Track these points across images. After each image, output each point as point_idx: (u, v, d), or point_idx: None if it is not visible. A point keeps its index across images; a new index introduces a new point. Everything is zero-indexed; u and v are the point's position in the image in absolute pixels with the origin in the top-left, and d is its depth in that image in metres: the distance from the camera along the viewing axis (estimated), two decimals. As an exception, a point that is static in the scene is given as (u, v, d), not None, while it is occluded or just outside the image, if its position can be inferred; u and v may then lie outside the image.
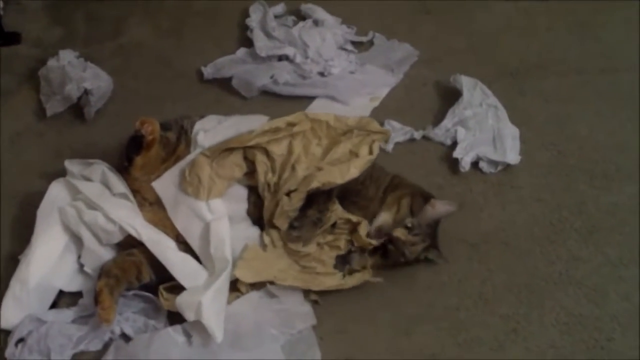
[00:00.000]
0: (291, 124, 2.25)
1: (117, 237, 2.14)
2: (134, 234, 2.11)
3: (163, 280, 2.09)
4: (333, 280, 2.13)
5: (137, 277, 2.09)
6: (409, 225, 2.15)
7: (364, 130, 2.29)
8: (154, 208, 2.20)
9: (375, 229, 2.16)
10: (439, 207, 2.19)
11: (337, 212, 2.15)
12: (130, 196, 2.20)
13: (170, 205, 2.19)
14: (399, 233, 2.14)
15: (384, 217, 2.18)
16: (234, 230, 2.16)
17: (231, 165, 2.21)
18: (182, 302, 2.01)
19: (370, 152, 2.23)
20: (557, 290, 2.16)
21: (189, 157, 2.24)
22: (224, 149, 2.20)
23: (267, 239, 2.15)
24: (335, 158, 2.21)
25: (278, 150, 2.20)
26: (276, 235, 2.16)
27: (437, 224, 2.21)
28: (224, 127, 2.35)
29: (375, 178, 2.25)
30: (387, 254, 2.17)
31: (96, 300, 1.99)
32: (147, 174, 2.23)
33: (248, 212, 2.22)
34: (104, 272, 2.06)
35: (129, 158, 2.22)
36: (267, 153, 2.20)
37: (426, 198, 2.20)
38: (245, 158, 2.21)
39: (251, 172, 2.22)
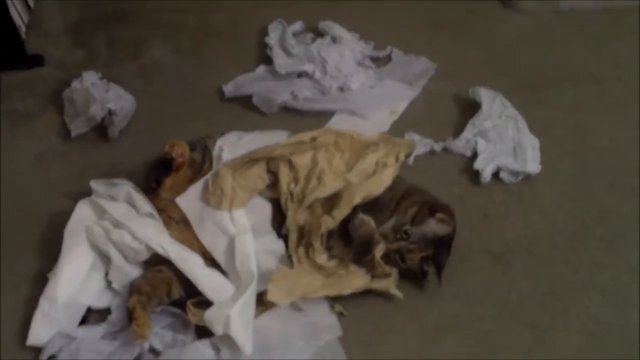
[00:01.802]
0: (315, 138, 2.27)
1: (144, 255, 2.16)
2: (160, 251, 2.13)
3: (192, 297, 2.11)
4: (359, 279, 2.13)
5: (167, 294, 2.10)
6: (408, 231, 2.14)
7: (389, 142, 2.31)
8: (179, 226, 2.22)
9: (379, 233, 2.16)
10: (436, 226, 2.16)
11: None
12: (156, 215, 2.22)
13: (195, 220, 2.22)
14: (378, 251, 2.12)
15: (390, 223, 2.18)
16: (259, 244, 2.18)
17: (254, 176, 2.23)
18: (211, 316, 2.02)
19: (396, 160, 2.26)
20: (582, 298, 2.16)
21: (211, 173, 2.28)
22: (247, 161, 2.24)
23: (294, 257, 2.17)
24: (362, 169, 2.23)
25: (301, 161, 2.23)
26: (302, 252, 2.17)
27: (442, 242, 2.17)
28: (245, 142, 2.39)
29: (392, 187, 2.24)
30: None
31: (130, 317, 2.01)
32: (174, 195, 2.26)
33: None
34: (134, 289, 2.08)
35: (158, 180, 2.25)
36: (290, 164, 2.23)
37: (433, 210, 2.18)
38: (269, 170, 2.24)
39: (273, 185, 2.25)
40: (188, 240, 2.20)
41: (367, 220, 2.13)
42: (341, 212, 2.14)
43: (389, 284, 2.14)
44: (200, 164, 2.34)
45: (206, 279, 2.12)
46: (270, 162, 2.25)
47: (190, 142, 2.35)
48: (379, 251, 2.12)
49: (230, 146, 2.37)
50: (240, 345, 1.98)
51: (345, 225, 2.15)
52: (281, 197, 2.22)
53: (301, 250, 2.17)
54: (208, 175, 2.27)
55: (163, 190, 2.28)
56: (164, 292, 2.10)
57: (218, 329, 2.00)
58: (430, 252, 2.15)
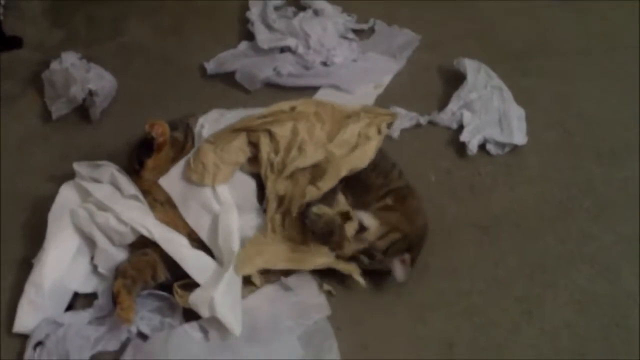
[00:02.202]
0: (294, 108, 2.27)
1: (130, 238, 2.15)
2: (146, 234, 2.12)
3: (178, 279, 2.10)
4: (322, 258, 2.12)
5: (153, 277, 2.09)
6: (376, 256, 2.11)
7: (371, 113, 2.30)
8: (164, 208, 2.21)
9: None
10: (397, 267, 2.11)
11: (339, 204, 2.15)
12: (141, 197, 2.21)
13: (179, 200, 2.21)
14: (349, 227, 2.11)
15: (373, 226, 2.14)
16: (244, 221, 2.17)
17: (235, 150, 2.23)
18: (196, 299, 2.02)
19: (379, 132, 2.24)
20: (570, 269, 2.16)
21: (193, 151, 2.26)
22: (229, 133, 2.24)
23: (269, 225, 2.15)
24: (344, 139, 2.21)
25: (281, 131, 2.22)
26: (279, 219, 2.16)
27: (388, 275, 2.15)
28: (227, 119, 2.38)
29: (382, 170, 2.23)
30: None
31: (114, 301, 2.00)
32: (157, 175, 2.24)
33: None
34: (119, 272, 2.07)
35: (140, 161, 2.23)
36: (271, 135, 2.22)
37: (409, 247, 2.13)
38: (249, 143, 2.23)
39: (254, 158, 2.24)
40: (173, 222, 2.19)
41: (323, 212, 2.10)
42: (326, 184, 2.13)
43: (354, 268, 2.13)
44: (183, 142, 2.32)
45: (192, 260, 2.11)
46: (251, 134, 2.24)
47: (172, 122, 2.33)
48: (350, 228, 2.11)
49: (212, 123, 2.35)
50: (228, 327, 1.97)
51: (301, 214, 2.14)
52: (261, 167, 2.21)
53: (278, 217, 2.16)
54: (190, 154, 2.26)
55: (146, 171, 2.25)
56: (149, 275, 2.08)
57: (204, 312, 1.99)
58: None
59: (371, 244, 2.12)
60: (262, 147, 2.21)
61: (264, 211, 2.20)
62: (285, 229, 2.15)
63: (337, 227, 2.09)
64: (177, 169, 2.24)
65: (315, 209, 2.10)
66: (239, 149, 2.23)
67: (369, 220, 2.14)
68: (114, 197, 2.21)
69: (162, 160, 2.27)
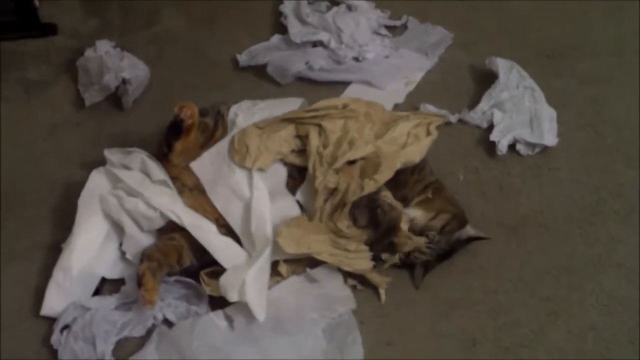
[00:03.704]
0: (346, 105, 2.27)
1: (158, 223, 2.16)
2: (174, 219, 2.13)
3: (204, 265, 2.11)
4: (362, 263, 2.13)
5: (178, 261, 2.10)
6: (430, 236, 2.14)
7: (420, 114, 2.32)
8: (193, 194, 2.22)
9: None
10: (472, 231, 2.19)
11: (387, 197, 2.15)
12: (170, 183, 2.22)
13: (209, 185, 2.22)
14: (404, 224, 2.14)
15: (418, 215, 2.18)
16: (275, 209, 2.17)
17: (280, 140, 2.23)
18: (226, 281, 2.03)
19: (429, 133, 2.25)
20: (597, 272, 2.15)
21: (227, 139, 2.27)
22: (277, 122, 2.25)
23: (318, 213, 2.15)
24: (393, 137, 2.22)
25: (332, 127, 2.22)
26: (329, 210, 2.15)
27: (452, 250, 2.19)
28: (260, 108, 2.38)
29: (417, 166, 2.24)
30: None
31: (139, 282, 2.01)
32: (186, 160, 2.25)
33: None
34: (145, 256, 2.08)
35: (169, 144, 2.24)
36: (321, 129, 2.22)
37: (461, 225, 2.20)
38: (296, 136, 2.24)
39: (298, 151, 2.24)
40: (202, 208, 2.20)
41: (395, 204, 2.14)
42: (383, 176, 2.13)
43: (382, 283, 2.15)
44: (213, 129, 2.33)
45: (220, 247, 2.13)
46: (300, 126, 2.24)
47: (203, 109, 2.33)
48: (404, 223, 2.12)
49: (245, 112, 2.36)
50: (253, 311, 1.98)
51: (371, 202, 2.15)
52: (309, 160, 2.20)
53: (328, 207, 2.16)
54: (222, 143, 2.26)
55: (174, 155, 2.26)
56: (174, 260, 2.10)
57: (233, 295, 2.00)
58: (431, 260, 2.16)
59: (424, 225, 2.16)
60: (311, 140, 2.21)
61: (297, 202, 2.21)
62: (332, 221, 2.14)
63: (399, 224, 2.12)
64: (209, 154, 2.25)
65: (390, 200, 2.14)
66: (284, 139, 2.23)
67: (412, 212, 2.18)
68: (143, 183, 2.22)
69: (190, 144, 2.27)
